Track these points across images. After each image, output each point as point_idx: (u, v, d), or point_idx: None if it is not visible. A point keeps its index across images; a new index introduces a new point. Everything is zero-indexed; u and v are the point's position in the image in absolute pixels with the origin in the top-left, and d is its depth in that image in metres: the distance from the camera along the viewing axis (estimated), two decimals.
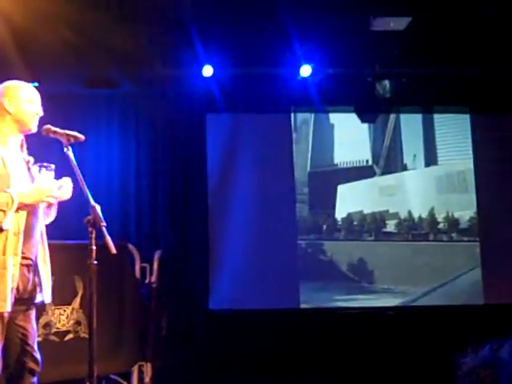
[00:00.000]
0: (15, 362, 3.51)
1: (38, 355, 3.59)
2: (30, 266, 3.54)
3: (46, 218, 3.71)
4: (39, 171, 3.54)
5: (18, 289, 3.44)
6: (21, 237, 3.43)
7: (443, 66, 6.94)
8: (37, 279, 3.58)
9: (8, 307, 3.34)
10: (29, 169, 3.63)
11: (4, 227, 3.34)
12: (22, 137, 3.64)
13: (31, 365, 3.55)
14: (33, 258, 3.55)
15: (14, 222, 3.40)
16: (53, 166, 3.57)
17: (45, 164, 3.55)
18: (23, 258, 3.46)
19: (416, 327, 7.10)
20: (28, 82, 3.73)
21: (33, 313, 3.64)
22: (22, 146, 3.65)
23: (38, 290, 3.60)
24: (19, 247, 3.42)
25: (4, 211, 3.31)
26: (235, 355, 6.78)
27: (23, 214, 3.46)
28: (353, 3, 5.77)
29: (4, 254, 3.35)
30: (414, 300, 7.48)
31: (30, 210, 3.50)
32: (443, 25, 6.15)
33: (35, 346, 3.60)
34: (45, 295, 3.63)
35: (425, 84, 7.28)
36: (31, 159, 3.67)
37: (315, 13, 5.87)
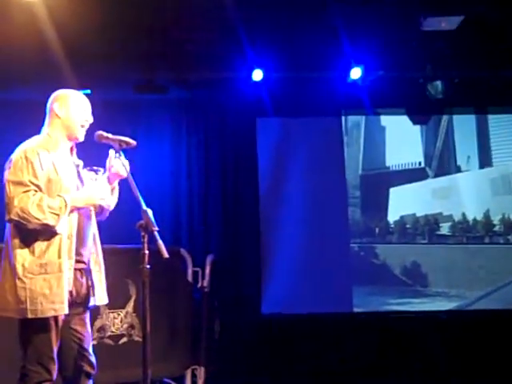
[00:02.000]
0: (72, 366, 3.56)
1: (93, 358, 3.64)
2: (83, 270, 3.59)
3: (98, 217, 3.77)
4: (89, 175, 3.61)
5: (71, 292, 3.49)
6: (74, 239, 3.48)
7: (496, 66, 6.81)
8: (90, 283, 3.64)
9: (66, 310, 3.40)
10: (78, 173, 3.69)
11: (58, 231, 3.39)
12: (71, 144, 3.70)
13: (87, 368, 3.60)
14: (86, 261, 3.60)
15: (67, 225, 3.46)
16: (102, 169, 3.63)
17: (94, 168, 3.61)
18: (77, 261, 3.51)
19: (472, 331, 6.99)
20: (80, 89, 3.79)
21: (87, 316, 3.69)
22: (71, 150, 3.71)
23: (91, 293, 3.65)
24: (73, 250, 3.47)
25: (58, 215, 3.37)
26: (287, 359, 6.78)
27: (75, 216, 3.51)
28: (403, 3, 5.70)
29: (60, 257, 3.41)
30: (469, 304, 7.35)
31: (82, 212, 3.57)
32: (496, 23, 6.04)
33: (90, 350, 3.65)
34: (98, 298, 3.67)
35: (477, 84, 7.16)
36: (81, 163, 3.74)
37: (365, 14, 5.83)
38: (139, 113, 7.28)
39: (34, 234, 3.40)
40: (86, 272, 3.62)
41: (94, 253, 3.69)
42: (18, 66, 6.11)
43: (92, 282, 3.64)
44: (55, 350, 3.44)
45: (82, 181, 3.66)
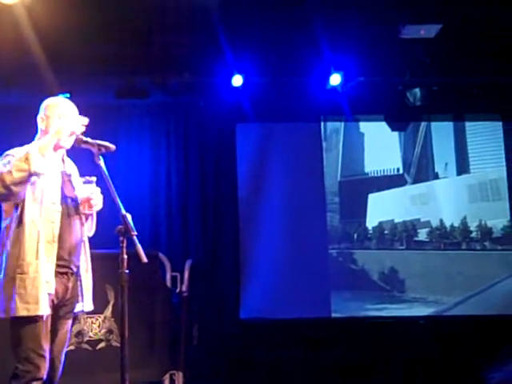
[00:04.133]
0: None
1: (60, 366, 3.61)
2: (71, 275, 3.59)
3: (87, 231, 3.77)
4: (82, 184, 3.62)
5: (57, 297, 3.49)
6: (55, 245, 3.47)
7: (474, 74, 6.88)
8: (78, 289, 3.63)
9: (41, 311, 3.38)
10: (70, 182, 3.70)
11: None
12: (62, 152, 3.69)
13: (51, 375, 3.57)
14: (71, 266, 3.58)
15: (48, 230, 3.46)
16: (94, 179, 3.62)
17: (87, 178, 3.62)
18: (61, 266, 3.51)
19: (449, 337, 7.02)
20: (60, 93, 3.78)
21: (69, 322, 3.67)
22: (62, 160, 3.71)
23: (79, 299, 3.65)
24: (54, 255, 3.46)
25: (22, 164, 3.32)
26: (266, 364, 6.78)
27: (57, 223, 3.51)
28: (382, 11, 5.74)
29: (37, 258, 3.40)
30: (446, 310, 7.39)
31: (66, 219, 3.56)
32: (474, 31, 6.11)
33: (62, 357, 3.62)
34: (86, 304, 3.68)
35: (456, 92, 7.23)
36: (74, 171, 3.78)
37: (345, 21, 5.86)
38: (119, 117, 7.26)
39: (16, 234, 3.41)
40: (74, 277, 3.61)
41: (85, 261, 3.70)
42: None
43: (81, 289, 3.64)
44: (46, 347, 3.43)
45: (73, 189, 3.67)
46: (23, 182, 3.35)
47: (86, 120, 3.61)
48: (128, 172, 7.03)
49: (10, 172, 3.31)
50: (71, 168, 3.78)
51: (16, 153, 3.48)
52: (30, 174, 3.34)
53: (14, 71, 6.10)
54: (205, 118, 7.43)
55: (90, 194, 3.62)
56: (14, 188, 3.33)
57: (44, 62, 5.83)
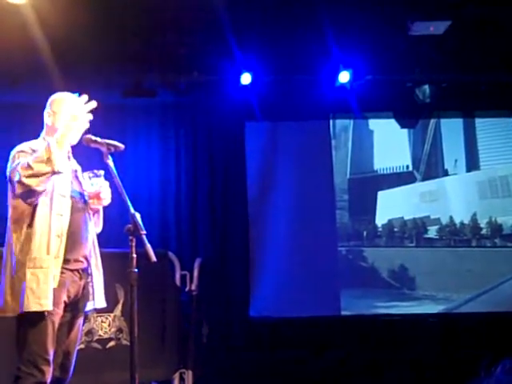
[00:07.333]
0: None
1: (71, 365, 3.61)
2: (82, 272, 3.58)
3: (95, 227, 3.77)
4: (90, 178, 3.62)
5: (68, 295, 3.48)
6: (63, 239, 3.46)
7: (484, 70, 6.85)
8: (90, 287, 3.63)
9: (50, 306, 3.36)
10: (77, 177, 3.70)
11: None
12: (67, 148, 3.70)
13: (62, 374, 3.57)
14: (82, 261, 3.58)
15: (57, 224, 3.46)
16: (102, 172, 3.62)
17: (95, 171, 3.62)
18: (71, 261, 3.51)
19: (459, 335, 7.00)
20: (67, 91, 3.78)
21: (80, 321, 3.67)
22: (68, 157, 3.71)
23: (90, 297, 3.64)
24: (61, 250, 3.46)
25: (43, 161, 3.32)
26: (276, 363, 6.77)
27: (66, 216, 3.50)
28: (391, 8, 5.72)
29: (48, 253, 3.40)
30: (456, 307, 7.37)
31: (76, 215, 3.57)
32: (483, 28, 6.07)
33: (73, 356, 3.62)
34: (97, 301, 3.67)
35: (465, 88, 7.20)
36: (79, 168, 3.75)
37: (353, 19, 5.84)
38: (127, 116, 7.26)
39: (27, 230, 3.41)
40: (85, 274, 3.61)
41: (94, 257, 3.69)
42: (5, 69, 6.09)
43: (93, 286, 3.63)
44: (51, 352, 3.42)
45: (80, 184, 3.67)
46: (47, 181, 3.37)
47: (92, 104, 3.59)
48: (137, 171, 7.04)
49: (34, 176, 3.31)
50: (76, 165, 3.78)
51: (29, 149, 3.47)
52: (54, 173, 3.35)
53: (22, 70, 6.11)
54: (213, 117, 7.43)
55: (99, 187, 3.62)
56: (39, 189, 3.35)
57: (51, 60, 5.84)
